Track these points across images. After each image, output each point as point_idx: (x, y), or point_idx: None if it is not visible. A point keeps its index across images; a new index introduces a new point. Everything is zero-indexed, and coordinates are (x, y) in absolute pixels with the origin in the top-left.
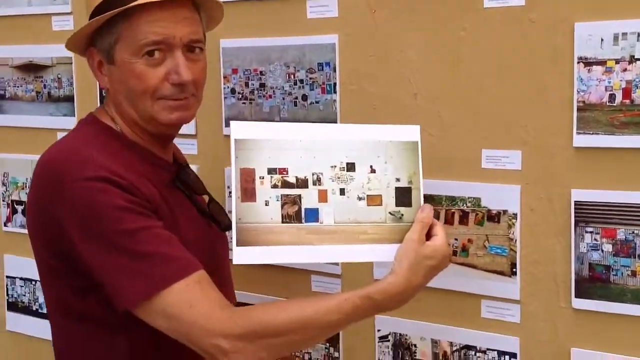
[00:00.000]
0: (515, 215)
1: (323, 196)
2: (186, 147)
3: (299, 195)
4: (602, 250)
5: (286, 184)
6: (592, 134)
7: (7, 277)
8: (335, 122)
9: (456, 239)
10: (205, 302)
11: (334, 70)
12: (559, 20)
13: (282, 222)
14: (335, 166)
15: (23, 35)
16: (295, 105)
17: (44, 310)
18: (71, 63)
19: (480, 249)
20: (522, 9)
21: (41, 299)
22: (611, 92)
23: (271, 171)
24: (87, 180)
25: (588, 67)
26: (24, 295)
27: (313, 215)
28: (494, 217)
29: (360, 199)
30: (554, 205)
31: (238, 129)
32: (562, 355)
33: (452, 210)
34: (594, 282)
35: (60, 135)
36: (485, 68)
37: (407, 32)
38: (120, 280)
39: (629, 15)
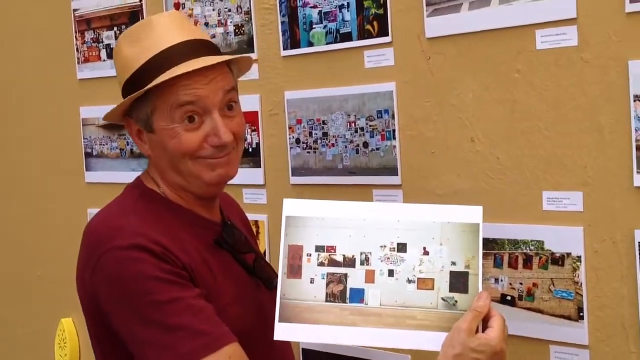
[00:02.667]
0: (579, 257)
1: (370, 276)
2: (255, 197)
3: (345, 275)
4: None
5: (333, 262)
6: None
7: None
8: (396, 168)
9: (521, 283)
10: None
11: (393, 117)
12: (612, 59)
13: (326, 300)
14: (385, 246)
15: (107, 96)
16: (357, 152)
17: None
18: None
19: (546, 292)
20: (575, 49)
21: None
22: None
23: (319, 249)
24: (121, 250)
25: None
26: None
27: (358, 295)
28: (557, 260)
29: (410, 281)
30: (617, 246)
31: (290, 206)
32: None
33: (516, 254)
34: None
35: None
36: (540, 109)
37: (461, 77)
38: (150, 353)
39: None
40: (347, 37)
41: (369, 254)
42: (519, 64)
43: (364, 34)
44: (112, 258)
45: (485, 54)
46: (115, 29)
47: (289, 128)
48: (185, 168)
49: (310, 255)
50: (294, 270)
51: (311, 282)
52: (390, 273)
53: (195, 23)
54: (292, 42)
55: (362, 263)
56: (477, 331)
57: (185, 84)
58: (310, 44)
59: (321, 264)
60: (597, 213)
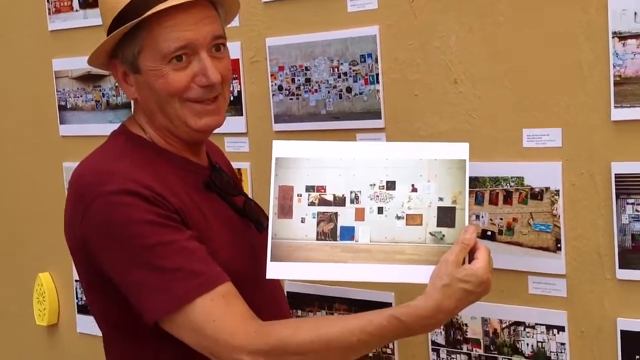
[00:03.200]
0: (557, 191)
1: (360, 214)
2: (238, 145)
3: (336, 213)
4: None
5: (323, 202)
6: (630, 107)
7: (76, 281)
8: (379, 112)
9: (501, 219)
10: (229, 317)
11: (376, 61)
12: None
13: (317, 239)
14: (374, 184)
15: (80, 47)
16: (340, 97)
17: None
18: None
19: (525, 226)
20: None
21: None
22: None
23: (309, 189)
24: (111, 195)
25: (623, 42)
26: None
27: (348, 233)
28: (537, 195)
29: (399, 218)
30: (595, 179)
31: (279, 148)
32: (609, 326)
33: (496, 191)
34: (637, 253)
35: None
36: (522, 50)
37: (445, 20)
38: (145, 296)
39: None
40: None
41: (359, 193)
42: (502, 6)
43: None
44: (103, 203)
45: None
46: None
47: (271, 75)
48: (172, 110)
49: (300, 195)
50: (285, 211)
51: (302, 222)
52: (380, 210)
53: None
54: None
55: (352, 201)
56: (463, 263)
57: (173, 24)
58: None
59: (312, 204)
60: (575, 148)
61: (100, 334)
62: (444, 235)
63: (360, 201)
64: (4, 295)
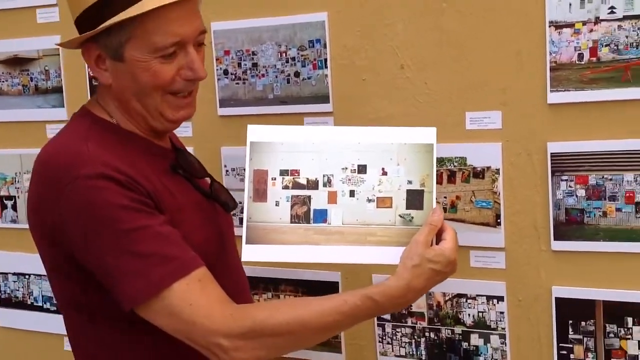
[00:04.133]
0: (497, 170)
1: (332, 198)
2: (181, 129)
3: (309, 197)
4: (576, 196)
5: (297, 185)
6: (564, 91)
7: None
8: (328, 96)
9: (445, 197)
10: (206, 301)
11: (325, 47)
12: None
13: (291, 222)
14: (346, 168)
15: (7, 29)
16: (288, 82)
17: (39, 303)
18: (58, 55)
19: (467, 204)
20: None
21: (35, 293)
22: (580, 52)
23: (283, 173)
24: (85, 179)
25: (558, 30)
26: (17, 290)
27: (321, 216)
28: (478, 174)
29: (369, 200)
30: (532, 158)
31: (253, 132)
32: (545, 294)
33: (441, 171)
34: (570, 225)
35: (49, 127)
36: (465, 37)
37: (392, 7)
38: (121, 281)
39: None
40: None
41: (331, 176)
42: None
43: None
44: (79, 187)
45: None
46: None
47: (216, 59)
48: (152, 102)
49: (275, 179)
50: (260, 194)
51: (276, 205)
52: (352, 193)
53: None
54: None
55: (324, 185)
56: (432, 243)
57: (169, 18)
58: None
59: (285, 187)
60: (514, 130)
61: (25, 327)
62: (412, 217)
63: (333, 184)
64: None
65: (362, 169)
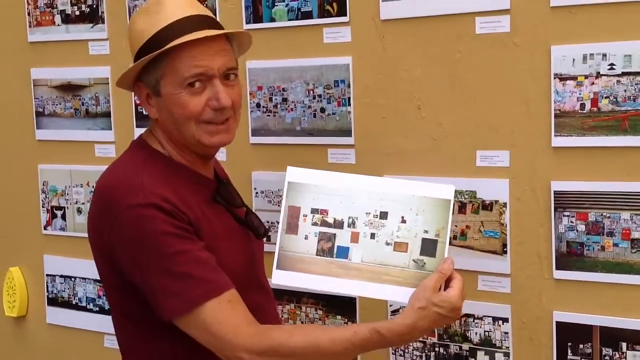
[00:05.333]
0: (505, 204)
1: (355, 237)
2: (217, 154)
3: (334, 234)
4: (577, 230)
5: (325, 223)
6: (567, 136)
7: (48, 275)
8: (350, 130)
9: (456, 226)
10: (233, 320)
11: (348, 87)
12: (538, 44)
13: (316, 254)
14: (369, 213)
15: (61, 59)
16: (315, 116)
17: (83, 304)
18: (108, 83)
19: (476, 233)
20: (508, 34)
21: (80, 294)
22: (582, 102)
23: (314, 211)
24: (136, 208)
25: (563, 82)
26: (64, 291)
27: (343, 252)
28: (487, 206)
29: (388, 244)
30: (537, 195)
31: (292, 174)
32: (546, 318)
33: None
34: (571, 257)
35: (98, 147)
36: (477, 84)
37: (410, 54)
38: (163, 297)
39: (595, 40)
40: (307, 15)
41: (356, 219)
42: (460, 45)
43: (323, 13)
44: (129, 216)
45: (431, 35)
46: None
47: (250, 94)
48: (188, 130)
49: (306, 215)
50: (292, 228)
51: (305, 238)
52: (372, 236)
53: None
54: (255, 17)
55: (349, 225)
56: (440, 289)
57: (193, 54)
58: (272, 20)
59: (315, 224)
60: (520, 168)
61: (70, 325)
62: (425, 263)
63: (356, 226)
64: None
65: (383, 215)
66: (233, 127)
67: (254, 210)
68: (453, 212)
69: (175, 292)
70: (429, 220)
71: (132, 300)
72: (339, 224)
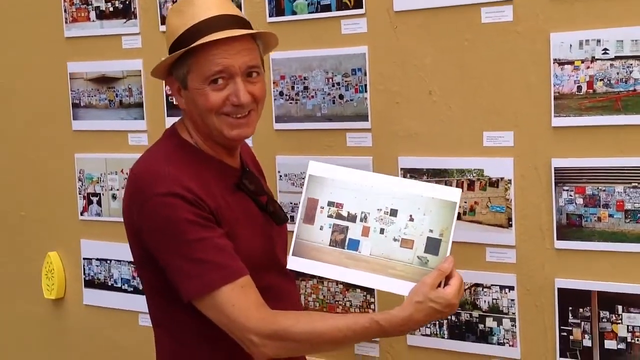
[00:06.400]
0: (510, 181)
1: (366, 231)
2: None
3: (347, 227)
4: (576, 203)
5: (339, 216)
6: (566, 116)
7: (84, 258)
8: (367, 115)
9: (465, 202)
10: (245, 304)
11: (365, 74)
12: (538, 32)
13: (329, 245)
14: (381, 209)
15: (95, 53)
16: (334, 103)
17: (118, 285)
18: (140, 75)
19: (484, 208)
20: (511, 23)
21: (115, 276)
22: (579, 85)
23: (330, 204)
24: (162, 196)
25: (561, 66)
26: (100, 274)
27: (354, 245)
28: (494, 183)
29: (395, 240)
30: (539, 172)
31: (313, 167)
32: (549, 285)
33: (462, 180)
34: (570, 228)
35: (131, 136)
36: (483, 69)
37: (422, 43)
38: (182, 280)
39: (590, 27)
40: (326, 8)
41: (368, 214)
42: (468, 34)
43: (341, 6)
44: (154, 203)
45: (441, 25)
46: None
47: (273, 82)
48: (211, 122)
49: (323, 208)
50: (309, 218)
51: (320, 229)
52: (382, 231)
53: None
54: (277, 10)
55: (361, 220)
56: (438, 286)
57: (215, 53)
58: (294, 13)
59: (330, 216)
60: (524, 147)
61: (106, 305)
62: (428, 261)
63: (368, 221)
64: (17, 271)
65: (393, 212)
66: (254, 121)
67: (278, 192)
68: (462, 189)
69: (194, 276)
70: (434, 220)
71: (160, 277)
72: (352, 218)
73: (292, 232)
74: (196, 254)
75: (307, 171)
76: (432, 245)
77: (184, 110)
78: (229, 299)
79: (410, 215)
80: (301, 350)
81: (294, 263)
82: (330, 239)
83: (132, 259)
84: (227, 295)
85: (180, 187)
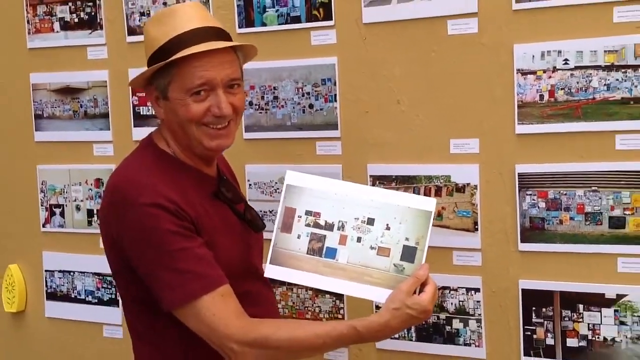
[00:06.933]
0: (476, 186)
1: (343, 240)
2: None
3: (324, 236)
4: (538, 207)
5: (317, 225)
6: (529, 124)
7: (46, 270)
8: (337, 124)
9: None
10: (225, 312)
11: (335, 84)
12: (502, 43)
13: (307, 253)
14: (358, 218)
15: (59, 64)
16: (304, 112)
17: (82, 296)
18: (106, 86)
19: (451, 213)
20: (475, 35)
21: (79, 287)
22: (541, 93)
23: (308, 213)
24: (143, 206)
25: (524, 76)
26: (63, 286)
27: (331, 253)
28: (460, 189)
29: (372, 248)
30: (503, 177)
31: (291, 177)
32: (513, 286)
33: (430, 186)
34: (533, 231)
35: (96, 146)
36: (450, 79)
37: (390, 54)
38: (163, 289)
39: (551, 39)
40: (296, 19)
41: (345, 223)
42: (435, 45)
43: (311, 18)
44: (135, 213)
45: (409, 37)
46: (69, 4)
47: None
48: (191, 132)
49: (300, 217)
50: (287, 227)
51: (298, 238)
52: (359, 239)
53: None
54: (247, 21)
55: (338, 228)
56: (414, 293)
57: (198, 65)
58: (264, 24)
59: (307, 225)
60: (489, 154)
61: (68, 317)
62: (404, 268)
63: (345, 230)
64: None
65: (370, 221)
66: (233, 131)
67: (248, 200)
68: (430, 195)
69: (175, 286)
70: (410, 229)
71: (139, 287)
72: (329, 227)
73: (270, 240)
74: (177, 263)
75: (285, 180)
76: (408, 253)
77: (162, 120)
78: (209, 308)
79: (387, 224)
80: (280, 357)
81: (271, 271)
82: (308, 248)
83: (97, 270)
84: (207, 304)
85: (162, 197)
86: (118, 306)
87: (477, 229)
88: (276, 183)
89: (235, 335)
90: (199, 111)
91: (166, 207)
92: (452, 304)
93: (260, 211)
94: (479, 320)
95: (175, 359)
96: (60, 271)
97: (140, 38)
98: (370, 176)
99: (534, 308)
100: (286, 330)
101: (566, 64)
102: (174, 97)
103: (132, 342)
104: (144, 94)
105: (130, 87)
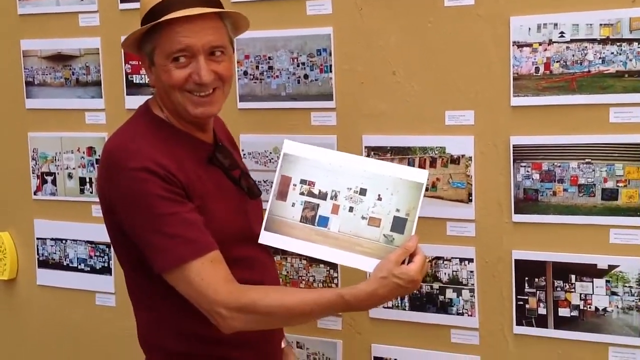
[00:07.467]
0: (470, 158)
1: (335, 209)
2: None
3: (318, 205)
4: (532, 179)
5: (310, 194)
6: (524, 96)
7: (38, 238)
8: (332, 95)
9: (427, 179)
10: (214, 278)
11: (330, 55)
12: (498, 15)
13: (300, 221)
14: (351, 188)
15: (51, 31)
16: (299, 83)
17: (74, 265)
18: (98, 53)
19: (446, 184)
20: (472, 7)
21: (71, 255)
22: (536, 66)
23: (302, 182)
24: (133, 171)
25: (520, 48)
26: (55, 254)
27: (324, 221)
28: (455, 160)
29: (363, 218)
30: (498, 149)
31: (288, 146)
32: (506, 257)
33: (424, 158)
34: (527, 202)
35: (88, 114)
36: (446, 51)
37: (386, 24)
38: (154, 253)
39: (548, 11)
40: None
41: (338, 192)
42: (431, 17)
43: None
44: (126, 177)
45: (405, 7)
46: None
47: (237, 62)
48: (175, 98)
49: (295, 185)
50: (282, 195)
51: (292, 206)
52: (351, 209)
53: None
54: None
55: (331, 198)
56: (402, 263)
57: (179, 30)
58: None
59: (302, 194)
60: (484, 125)
61: (60, 285)
62: (394, 239)
63: (338, 199)
64: None
65: (363, 191)
66: (219, 99)
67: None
68: (425, 166)
69: (164, 250)
70: (401, 200)
71: (134, 253)
72: (322, 196)
73: (266, 208)
74: (166, 228)
75: (282, 149)
76: (398, 224)
77: (154, 87)
78: (198, 273)
79: (379, 195)
80: (269, 323)
81: (265, 238)
82: (302, 216)
83: (89, 238)
84: (197, 269)
85: (152, 162)
86: (111, 274)
87: (471, 200)
88: (270, 153)
89: (224, 300)
90: (180, 77)
91: (155, 172)
92: (445, 273)
93: (255, 180)
94: (472, 290)
95: (170, 325)
96: (52, 239)
97: (133, 5)
98: (365, 147)
99: (526, 278)
100: (275, 296)
101: (562, 36)
102: (159, 63)
103: (133, 308)
104: (139, 61)
105: (123, 54)
